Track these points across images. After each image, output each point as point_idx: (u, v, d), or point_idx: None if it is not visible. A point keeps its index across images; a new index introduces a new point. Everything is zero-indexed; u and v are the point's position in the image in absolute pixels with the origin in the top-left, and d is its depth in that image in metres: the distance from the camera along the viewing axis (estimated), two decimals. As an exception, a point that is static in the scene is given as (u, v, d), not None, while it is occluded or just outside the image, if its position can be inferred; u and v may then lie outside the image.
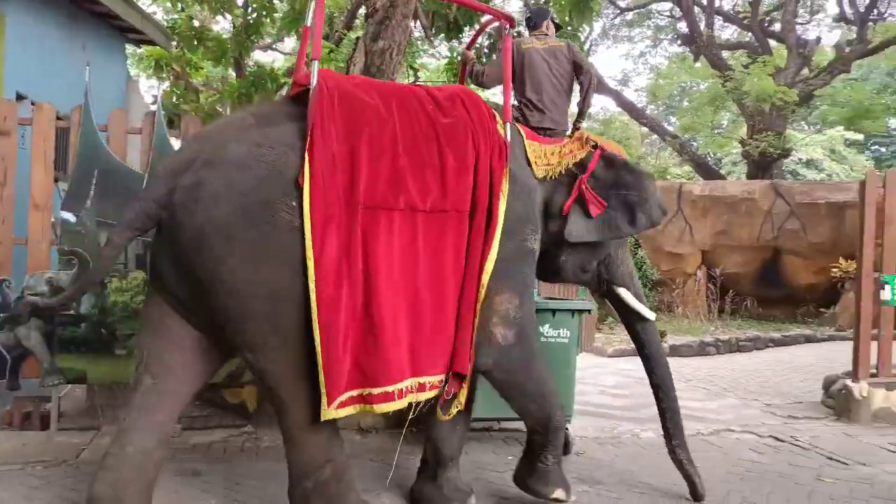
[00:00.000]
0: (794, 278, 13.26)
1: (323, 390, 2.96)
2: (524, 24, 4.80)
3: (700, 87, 24.65)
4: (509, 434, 5.27)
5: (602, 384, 7.61)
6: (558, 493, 3.71)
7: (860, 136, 27.98)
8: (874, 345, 6.18)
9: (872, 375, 6.19)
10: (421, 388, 3.30)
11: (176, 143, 4.94)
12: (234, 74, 11.25)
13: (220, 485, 3.96)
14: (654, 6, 22.10)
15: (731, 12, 21.07)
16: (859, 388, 6.11)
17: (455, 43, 8.34)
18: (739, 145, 19.28)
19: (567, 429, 4.83)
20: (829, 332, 11.63)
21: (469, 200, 3.42)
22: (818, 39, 20.02)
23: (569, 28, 7.09)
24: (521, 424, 4.27)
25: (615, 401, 6.74)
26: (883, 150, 30.26)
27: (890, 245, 6.28)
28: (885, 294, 6.17)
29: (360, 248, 3.10)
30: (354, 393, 3.09)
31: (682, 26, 20.93)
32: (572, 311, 4.84)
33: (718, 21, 20.64)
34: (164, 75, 9.95)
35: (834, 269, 12.18)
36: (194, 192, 2.97)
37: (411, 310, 3.24)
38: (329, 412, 2.98)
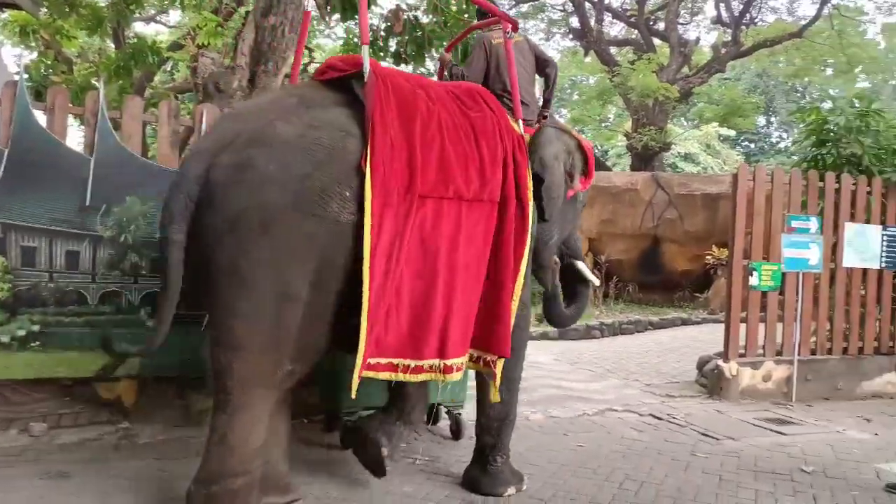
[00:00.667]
0: (672, 265, 14.06)
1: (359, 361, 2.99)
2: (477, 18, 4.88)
3: (589, 81, 25.60)
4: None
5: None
6: (511, 490, 3.84)
7: (732, 133, 30.13)
8: (743, 327, 6.64)
9: (741, 355, 6.66)
10: (447, 369, 3.34)
11: (42, 117, 4.53)
12: (112, 46, 10.52)
13: (92, 487, 3.66)
14: (547, 0, 22.62)
15: (620, 10, 21.92)
16: (729, 368, 6.55)
17: (352, 24, 8.16)
18: (624, 138, 20.19)
19: (460, 413, 4.89)
20: (703, 315, 12.42)
21: (500, 191, 3.50)
22: (697, 40, 21.26)
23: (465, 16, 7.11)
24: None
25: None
26: (752, 145, 32.71)
27: (758, 234, 6.76)
28: (753, 280, 6.63)
29: (413, 236, 3.11)
30: (384, 360, 3.16)
31: (574, 21, 21.58)
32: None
33: (608, 18, 21.42)
34: (31, 44, 9.14)
35: (707, 257, 13.02)
36: (239, 173, 2.77)
37: (450, 295, 3.28)
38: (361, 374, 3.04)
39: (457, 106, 3.51)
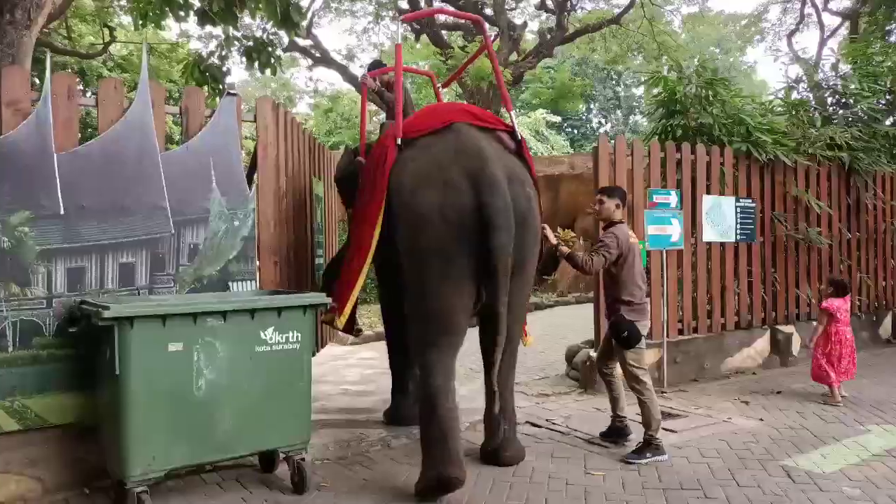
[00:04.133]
0: (519, 250, 13.70)
1: None
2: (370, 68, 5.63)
3: (421, 66, 24.98)
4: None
5: (344, 380, 6.68)
6: None
7: (558, 119, 31.11)
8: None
9: (612, 344, 6.12)
10: None
11: None
12: None
13: None
14: (374, -21, 21.62)
15: (449, -6, 21.39)
16: (602, 359, 5.98)
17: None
18: (461, 123, 19.71)
19: (304, 459, 3.78)
20: (554, 299, 12.13)
21: None
22: (525, 24, 21.27)
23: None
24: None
25: (359, 401, 5.84)
26: (576, 131, 33.97)
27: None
28: (620, 261, 6.10)
29: None
30: None
31: (404, 3, 20.73)
32: (304, 308, 3.76)
33: (437, 2, 20.81)
34: None
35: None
36: (531, 205, 4.19)
37: None
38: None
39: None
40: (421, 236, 3.84)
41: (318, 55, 19.88)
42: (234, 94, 4.27)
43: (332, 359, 7.62)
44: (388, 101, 5.20)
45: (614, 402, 4.60)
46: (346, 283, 4.38)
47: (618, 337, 4.29)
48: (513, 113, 4.60)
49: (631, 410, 4.60)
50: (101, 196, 3.81)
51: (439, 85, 6.05)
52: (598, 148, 6.11)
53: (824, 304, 5.91)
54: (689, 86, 7.10)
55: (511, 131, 4.35)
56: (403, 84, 4.83)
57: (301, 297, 3.86)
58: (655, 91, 7.58)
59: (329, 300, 3.90)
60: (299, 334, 3.73)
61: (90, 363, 3.62)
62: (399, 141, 4.12)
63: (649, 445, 4.22)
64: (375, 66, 5.78)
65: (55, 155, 3.67)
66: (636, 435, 4.44)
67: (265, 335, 3.63)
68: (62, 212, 3.69)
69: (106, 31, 13.06)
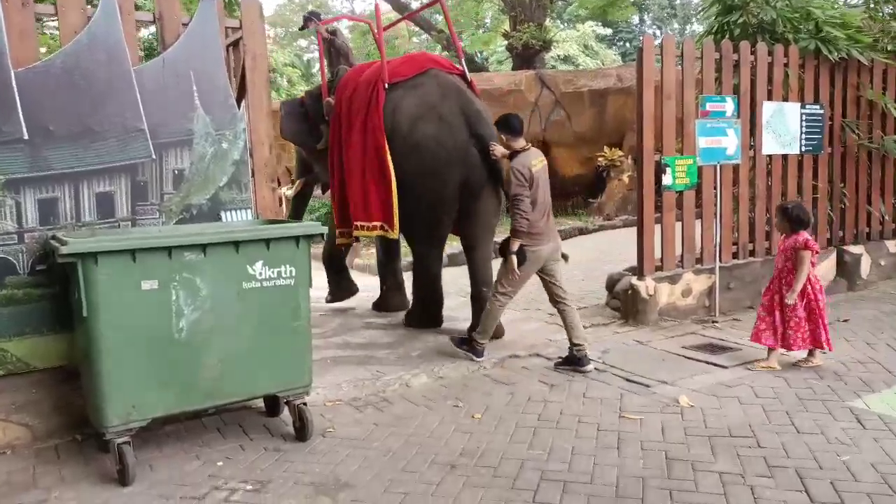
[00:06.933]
0: (563, 171, 12.96)
1: None
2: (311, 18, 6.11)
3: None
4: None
5: (369, 312, 6.33)
6: None
7: (608, 31, 29.34)
8: (657, 236, 5.53)
9: (657, 268, 5.57)
10: None
11: None
12: None
13: None
14: None
15: None
16: (645, 286, 5.45)
17: None
18: (504, 39, 18.71)
19: (305, 404, 3.45)
20: (600, 223, 11.48)
21: None
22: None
23: None
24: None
25: (382, 335, 5.46)
26: (627, 45, 32.11)
27: (669, 123, 5.56)
28: (667, 178, 5.48)
29: None
30: None
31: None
32: (296, 239, 3.33)
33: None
34: None
35: (599, 159, 12.04)
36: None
37: None
38: None
39: None
40: (420, 162, 4.80)
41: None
42: (212, -4, 3.74)
43: (361, 289, 7.25)
44: (339, 48, 5.95)
45: (569, 330, 4.44)
46: (370, 201, 5.00)
47: (503, 255, 4.34)
48: (464, 59, 5.48)
49: (675, 343, 4.09)
50: (69, 117, 3.40)
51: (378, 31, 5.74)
52: (642, 49, 5.37)
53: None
54: (749, -24, 6.20)
55: (462, 75, 5.21)
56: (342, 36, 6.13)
57: (291, 227, 3.42)
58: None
59: (324, 229, 3.46)
60: (293, 269, 3.32)
61: (68, 303, 3.30)
62: (386, 85, 4.94)
63: (470, 343, 4.62)
64: (316, 16, 6.20)
65: (12, 71, 3.26)
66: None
67: (253, 270, 3.22)
68: (26, 136, 3.30)
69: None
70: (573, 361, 4.41)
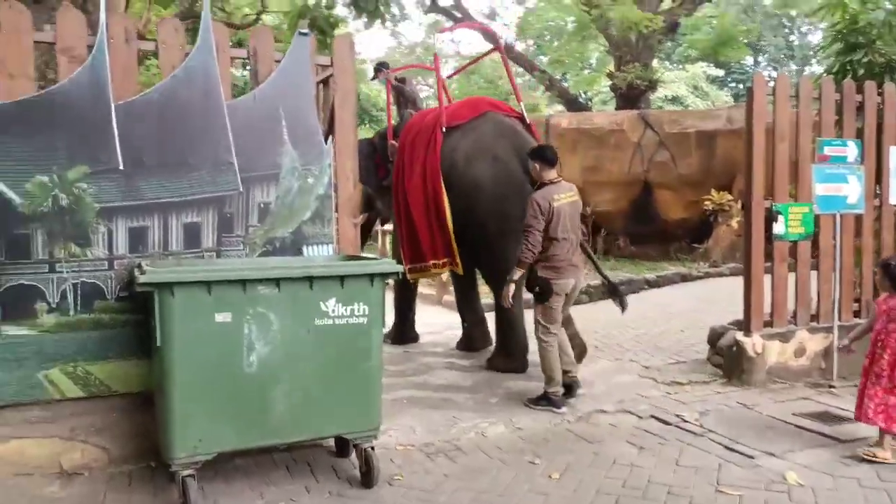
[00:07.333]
0: (666, 213, 12.47)
1: None
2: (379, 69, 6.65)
3: (569, 25, 23.60)
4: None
5: (452, 352, 6.16)
6: None
7: (720, 73, 28.32)
8: (767, 289, 5.06)
9: (766, 324, 5.10)
10: None
11: None
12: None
13: None
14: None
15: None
16: (752, 344, 4.98)
17: None
18: (608, 80, 18.42)
19: (372, 447, 3.31)
20: (705, 269, 10.86)
21: None
22: (680, -33, 19.25)
23: None
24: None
25: (463, 378, 5.28)
26: (741, 86, 30.87)
27: (781, 168, 5.13)
28: (779, 227, 5.04)
29: None
30: None
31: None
32: (370, 277, 3.24)
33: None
34: None
35: (706, 202, 11.46)
36: None
37: None
38: None
39: None
40: (477, 199, 5.05)
41: (459, 15, 19.29)
42: (305, 34, 3.79)
43: (446, 327, 7.13)
44: (406, 95, 6.52)
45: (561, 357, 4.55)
46: (436, 238, 5.22)
47: (531, 290, 4.47)
48: (522, 103, 5.62)
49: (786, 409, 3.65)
50: (163, 149, 3.50)
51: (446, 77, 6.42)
52: (753, 88, 5.01)
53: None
54: (875, 11, 5.73)
55: (520, 118, 5.44)
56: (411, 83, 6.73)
57: (367, 265, 3.33)
58: (831, 21, 6.22)
59: (400, 268, 3.35)
60: (366, 307, 3.22)
61: (147, 330, 3.35)
62: (443, 129, 5.24)
63: (545, 397, 4.48)
64: (385, 66, 6.74)
65: (113, 105, 3.39)
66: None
67: (326, 307, 3.15)
68: (121, 166, 3.42)
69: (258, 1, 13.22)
70: (564, 388, 4.52)
